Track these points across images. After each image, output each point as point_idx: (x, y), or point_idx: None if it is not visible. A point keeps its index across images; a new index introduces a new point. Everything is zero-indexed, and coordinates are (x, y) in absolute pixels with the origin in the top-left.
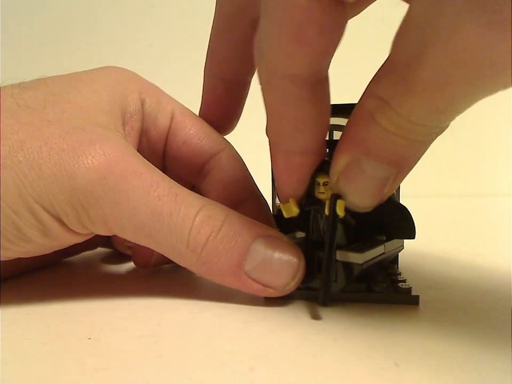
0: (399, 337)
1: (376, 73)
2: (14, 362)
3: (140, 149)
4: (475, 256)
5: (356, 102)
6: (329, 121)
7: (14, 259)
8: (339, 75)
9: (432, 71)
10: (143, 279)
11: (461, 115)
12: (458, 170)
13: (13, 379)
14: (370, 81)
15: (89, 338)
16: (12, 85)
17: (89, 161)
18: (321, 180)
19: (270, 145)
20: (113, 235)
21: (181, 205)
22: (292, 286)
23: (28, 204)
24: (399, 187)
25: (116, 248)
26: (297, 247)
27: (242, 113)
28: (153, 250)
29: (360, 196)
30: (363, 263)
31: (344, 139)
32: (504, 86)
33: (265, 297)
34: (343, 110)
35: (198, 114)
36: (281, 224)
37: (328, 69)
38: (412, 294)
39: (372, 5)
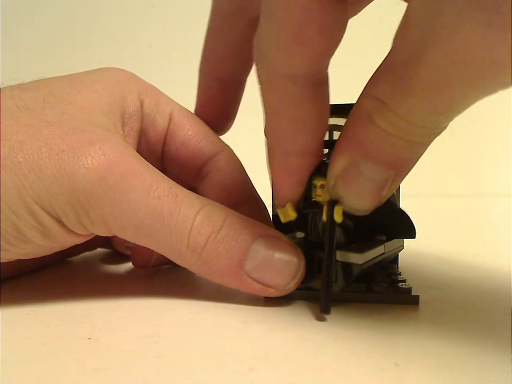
0: (399, 337)
1: (374, 73)
2: (14, 362)
3: (139, 150)
4: (475, 256)
5: (355, 102)
6: (328, 121)
7: (14, 260)
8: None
9: (432, 71)
10: (143, 279)
11: (461, 115)
12: (458, 170)
13: (13, 379)
14: (368, 82)
15: (89, 338)
16: (11, 86)
17: (89, 161)
18: (318, 182)
19: (268, 146)
20: (113, 236)
21: (181, 205)
22: (292, 285)
23: (28, 205)
24: (399, 187)
25: (115, 249)
26: (297, 247)
27: (240, 114)
28: (152, 250)
29: (358, 198)
30: (363, 264)
31: (342, 141)
32: (505, 86)
33: (265, 297)
34: (342, 110)
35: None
36: (280, 225)
37: (327, 68)
38: (412, 294)
39: (370, 4)
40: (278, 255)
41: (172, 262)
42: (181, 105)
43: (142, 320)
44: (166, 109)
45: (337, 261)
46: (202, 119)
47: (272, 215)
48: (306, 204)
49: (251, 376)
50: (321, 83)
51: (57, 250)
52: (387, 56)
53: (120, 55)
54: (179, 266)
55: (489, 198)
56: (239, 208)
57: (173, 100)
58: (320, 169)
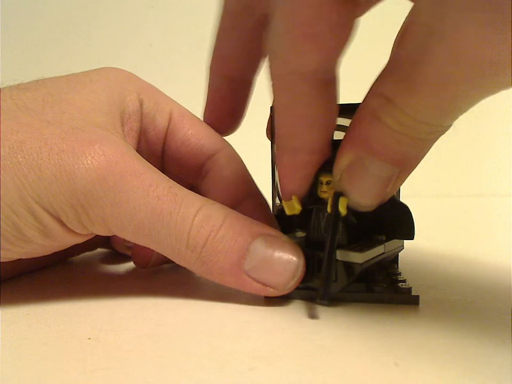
0: (399, 337)
1: (380, 72)
2: (14, 362)
3: (138, 150)
4: (475, 256)
5: (360, 102)
6: (336, 121)
7: (14, 260)
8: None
9: (436, 69)
10: (143, 279)
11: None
12: (458, 170)
13: (13, 379)
14: (375, 81)
15: (89, 338)
16: (10, 86)
17: (88, 161)
18: (324, 179)
19: (276, 142)
20: (113, 236)
21: (181, 205)
22: (291, 285)
23: (28, 205)
24: (399, 187)
25: (115, 249)
26: (297, 246)
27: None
28: (153, 250)
29: (362, 194)
30: (363, 263)
31: (348, 137)
32: (505, 86)
33: (265, 297)
34: (347, 109)
35: (202, 113)
36: (281, 224)
37: (337, 68)
38: (412, 294)
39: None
40: (277, 254)
41: (172, 261)
42: (180, 105)
43: (142, 320)
44: (165, 109)
45: (337, 260)
46: (212, 119)
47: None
48: (311, 200)
49: (251, 376)
50: (330, 82)
51: (58, 250)
52: (393, 54)
53: (120, 55)
54: (179, 266)
55: (489, 198)
56: (241, 205)
57: (172, 99)
58: (326, 166)
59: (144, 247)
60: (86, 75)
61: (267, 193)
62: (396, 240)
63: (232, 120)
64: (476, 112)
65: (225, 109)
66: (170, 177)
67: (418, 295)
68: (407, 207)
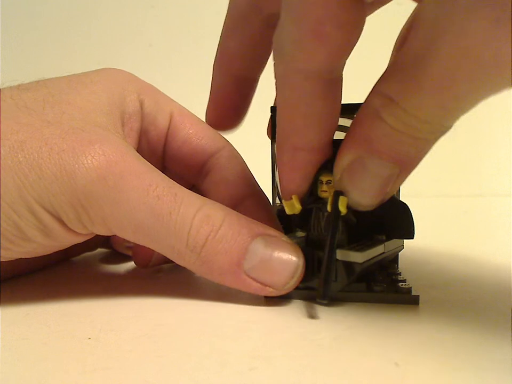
0: (399, 337)
1: (383, 73)
2: (13, 362)
3: (139, 150)
4: (475, 256)
5: (360, 102)
6: (338, 121)
7: (14, 260)
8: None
9: (440, 67)
10: (143, 279)
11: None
12: (458, 170)
13: (13, 379)
14: (377, 81)
15: (89, 338)
16: (11, 86)
17: (89, 161)
18: (324, 178)
19: (277, 140)
20: (113, 236)
21: (180, 205)
22: (291, 284)
23: (28, 204)
24: (399, 187)
25: (115, 249)
26: (297, 246)
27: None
28: (153, 250)
29: (363, 193)
30: (363, 262)
31: (349, 137)
32: (508, 86)
33: (266, 297)
34: (347, 109)
35: (202, 113)
36: (281, 224)
37: (342, 69)
38: (412, 293)
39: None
40: (277, 254)
41: (173, 261)
42: (181, 105)
43: (142, 320)
44: (166, 109)
45: (337, 260)
46: (215, 115)
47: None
48: (311, 199)
49: (251, 376)
50: (334, 82)
51: (58, 249)
52: (396, 54)
53: (120, 55)
54: (179, 266)
55: (489, 198)
56: (242, 203)
57: (172, 100)
58: (327, 165)
59: (145, 246)
60: (87, 76)
61: (267, 193)
62: (396, 239)
63: (235, 117)
64: (476, 112)
65: (229, 106)
66: (171, 177)
67: (418, 295)
68: (407, 206)
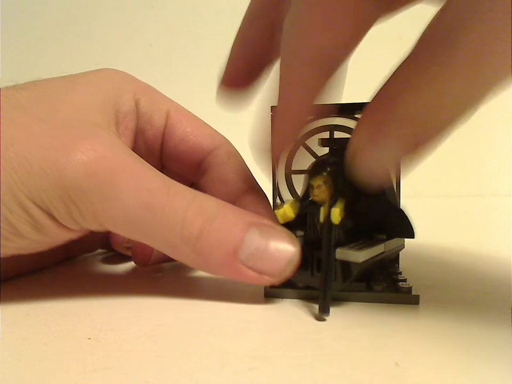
0: (399, 337)
1: (399, 64)
2: (13, 362)
3: (136, 149)
4: (475, 256)
5: (360, 102)
6: (324, 93)
7: (14, 260)
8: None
9: (477, 38)
10: (143, 279)
11: None
12: (458, 170)
13: (13, 379)
14: (395, 69)
15: (89, 338)
16: (7, 87)
17: (78, 156)
18: (315, 183)
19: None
20: (112, 236)
21: (174, 198)
22: (287, 272)
23: (19, 199)
24: (400, 187)
25: (115, 249)
26: (292, 234)
27: (242, 113)
28: (152, 248)
29: (371, 174)
30: (362, 262)
31: (365, 116)
32: None
33: (265, 295)
34: (348, 109)
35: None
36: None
37: (343, 58)
38: (412, 293)
39: None
40: (272, 242)
41: (173, 259)
42: (178, 103)
43: (142, 320)
44: (162, 107)
45: (336, 259)
46: (231, 71)
47: None
48: (305, 204)
49: (251, 376)
50: (331, 68)
51: (54, 246)
52: (415, 44)
53: (120, 55)
54: (179, 265)
55: (489, 198)
56: (240, 199)
57: (169, 98)
58: (317, 169)
59: (144, 245)
60: (83, 76)
61: (267, 193)
62: (397, 239)
63: (250, 78)
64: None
65: (245, 67)
66: (169, 175)
67: (419, 295)
68: (403, 212)
